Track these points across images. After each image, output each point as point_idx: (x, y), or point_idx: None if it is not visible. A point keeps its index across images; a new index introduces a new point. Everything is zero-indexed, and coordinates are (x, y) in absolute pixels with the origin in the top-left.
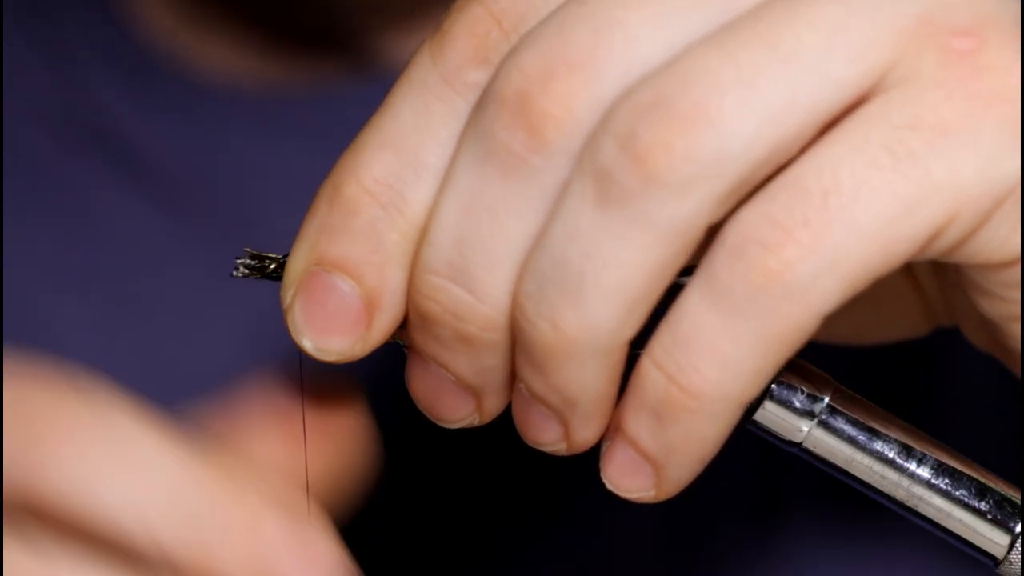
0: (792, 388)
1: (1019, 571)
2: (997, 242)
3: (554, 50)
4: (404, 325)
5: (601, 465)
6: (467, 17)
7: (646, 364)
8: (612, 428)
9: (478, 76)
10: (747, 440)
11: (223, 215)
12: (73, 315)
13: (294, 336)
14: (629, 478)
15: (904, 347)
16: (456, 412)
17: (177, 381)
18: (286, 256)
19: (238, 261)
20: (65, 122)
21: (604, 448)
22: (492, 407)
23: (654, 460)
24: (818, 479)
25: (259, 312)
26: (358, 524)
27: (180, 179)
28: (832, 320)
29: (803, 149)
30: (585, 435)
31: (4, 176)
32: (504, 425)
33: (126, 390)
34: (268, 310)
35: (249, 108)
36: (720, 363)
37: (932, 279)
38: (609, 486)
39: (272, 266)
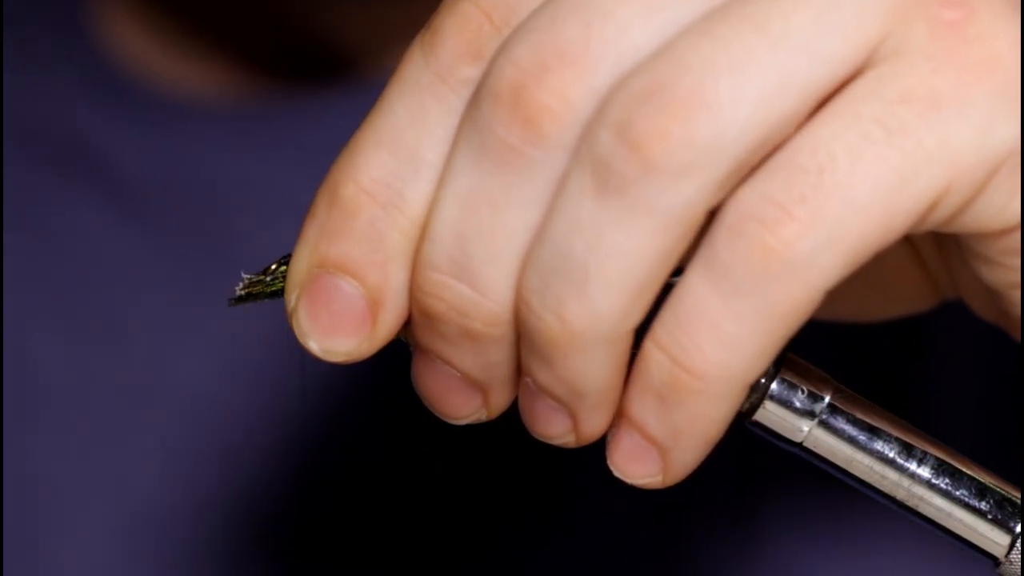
0: (792, 388)
1: (1019, 571)
2: (994, 210)
3: (547, 43)
4: (409, 322)
5: (607, 453)
6: (457, 13)
7: (649, 347)
8: (617, 415)
9: (471, 72)
10: (741, 435)
11: (198, 229)
12: (49, 334)
13: (300, 339)
14: (636, 464)
15: (900, 327)
16: (463, 408)
17: (155, 396)
18: (283, 259)
19: (240, 282)
20: (37, 137)
21: (609, 436)
22: (499, 402)
23: (660, 444)
24: (818, 480)
25: (238, 326)
26: (357, 521)
27: (154, 193)
28: (836, 297)
29: (798, 127)
30: (593, 426)
31: None
32: (500, 422)
33: (102, 408)
34: (249, 324)
35: (223, 122)
36: (723, 343)
37: (934, 251)
38: (616, 473)
39: (271, 278)
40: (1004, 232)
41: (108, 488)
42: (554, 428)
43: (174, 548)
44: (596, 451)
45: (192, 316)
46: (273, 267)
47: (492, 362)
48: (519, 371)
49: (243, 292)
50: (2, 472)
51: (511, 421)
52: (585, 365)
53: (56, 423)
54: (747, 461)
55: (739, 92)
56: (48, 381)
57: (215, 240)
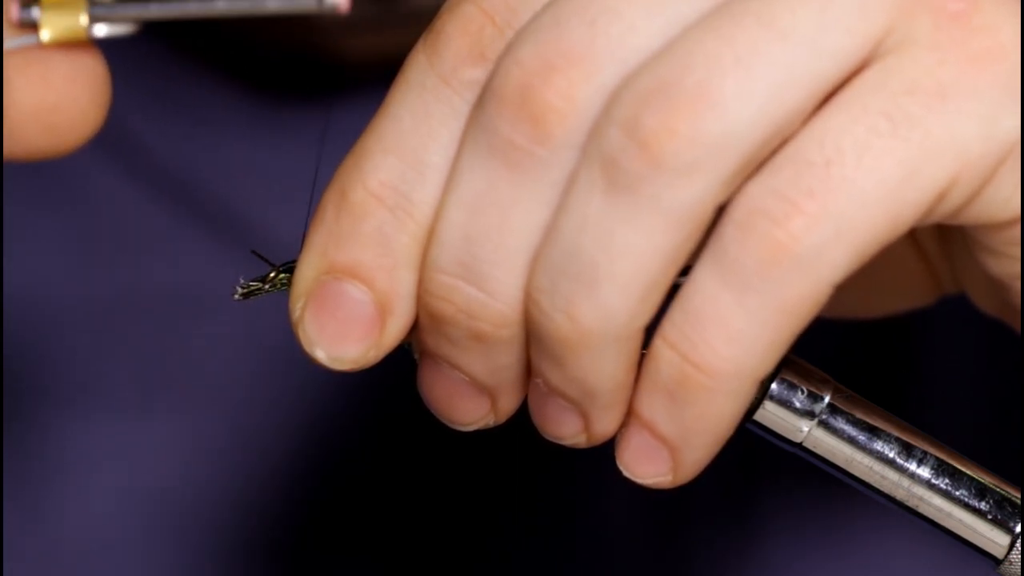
0: (792, 388)
1: (1019, 571)
2: (1001, 200)
3: (552, 43)
4: (415, 328)
5: (616, 452)
6: (459, 15)
7: (659, 344)
8: (627, 414)
9: (475, 74)
10: (741, 435)
11: (220, 211)
12: (72, 299)
13: (306, 347)
14: (646, 464)
15: (899, 325)
16: (471, 414)
17: (176, 375)
18: (284, 265)
19: (238, 287)
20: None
21: (619, 435)
22: (507, 406)
23: (671, 443)
24: (818, 480)
25: (260, 307)
26: (346, 521)
27: (176, 171)
28: (839, 293)
29: (804, 122)
30: (605, 425)
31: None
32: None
33: (123, 385)
34: (272, 306)
35: (241, 119)
36: (734, 339)
37: (937, 245)
38: (626, 473)
39: (270, 285)
40: (1011, 223)
41: (126, 464)
42: (566, 429)
43: (188, 529)
44: (595, 450)
45: (210, 289)
46: (272, 275)
47: (501, 365)
48: (527, 375)
49: (240, 296)
50: (2, 448)
51: (511, 422)
52: (596, 364)
53: (78, 396)
54: (747, 461)
55: (746, 88)
56: (71, 356)
57: (232, 217)
